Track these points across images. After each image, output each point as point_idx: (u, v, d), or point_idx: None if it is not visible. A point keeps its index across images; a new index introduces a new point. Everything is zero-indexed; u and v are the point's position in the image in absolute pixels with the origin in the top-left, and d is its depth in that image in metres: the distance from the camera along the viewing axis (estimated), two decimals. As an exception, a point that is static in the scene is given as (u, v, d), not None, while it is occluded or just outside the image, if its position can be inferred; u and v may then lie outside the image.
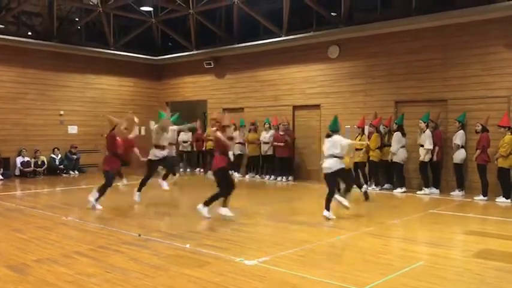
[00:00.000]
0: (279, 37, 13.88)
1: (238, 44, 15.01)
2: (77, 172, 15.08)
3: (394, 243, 6.34)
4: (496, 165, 9.76)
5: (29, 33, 15.82)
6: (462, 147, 10.46)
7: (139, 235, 6.52)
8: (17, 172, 14.16)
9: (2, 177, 13.50)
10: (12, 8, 14.86)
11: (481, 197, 9.94)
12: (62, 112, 15.41)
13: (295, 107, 14.06)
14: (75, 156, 15.24)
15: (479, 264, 5.25)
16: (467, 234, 6.76)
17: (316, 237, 6.48)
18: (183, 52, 16.69)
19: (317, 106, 13.49)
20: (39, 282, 4.59)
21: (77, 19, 16.75)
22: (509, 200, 9.55)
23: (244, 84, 15.39)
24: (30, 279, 4.67)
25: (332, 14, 13.31)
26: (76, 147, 15.25)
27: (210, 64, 15.96)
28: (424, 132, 10.74)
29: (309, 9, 13.54)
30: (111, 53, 16.30)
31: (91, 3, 15.04)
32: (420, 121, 10.87)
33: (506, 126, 9.66)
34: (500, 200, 9.64)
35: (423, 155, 10.74)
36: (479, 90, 10.70)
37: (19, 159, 14.19)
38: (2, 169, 13.71)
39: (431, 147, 10.62)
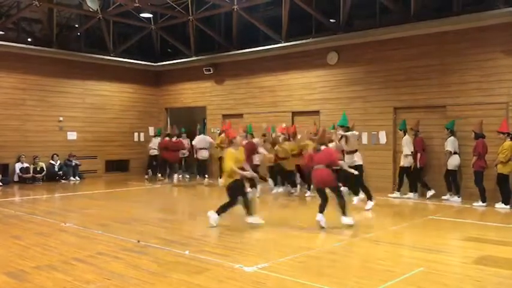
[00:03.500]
0: (278, 43, 13.93)
1: (237, 50, 15.05)
2: (77, 178, 15.07)
3: (394, 250, 6.32)
4: (495, 171, 9.76)
5: (29, 39, 15.84)
6: (455, 153, 10.60)
7: (139, 241, 6.50)
8: (16, 178, 14.14)
9: (1, 183, 13.46)
10: (12, 15, 14.90)
11: (480, 203, 9.92)
12: (61, 118, 15.41)
13: (294, 113, 14.07)
14: (75, 162, 15.22)
15: (479, 271, 5.24)
16: (467, 241, 6.75)
17: (316, 244, 6.47)
18: (182, 58, 16.73)
19: (316, 112, 13.50)
20: (37, 289, 4.58)
21: (76, 25, 16.79)
22: (508, 206, 9.55)
23: (243, 91, 15.41)
24: (28, 286, 4.65)
25: (331, 20, 13.36)
26: (74, 156, 15.24)
27: (209, 70, 15.99)
28: (402, 138, 11.13)
29: (308, 16, 13.60)
30: (111, 59, 16.33)
31: (91, 9, 15.08)
32: (398, 130, 11.37)
33: (505, 132, 9.68)
34: (500, 206, 9.63)
35: (403, 161, 11.04)
36: (477, 96, 10.73)
37: (18, 166, 14.18)
38: (1, 175, 13.69)
39: (409, 152, 10.89)
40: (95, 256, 5.77)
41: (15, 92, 14.46)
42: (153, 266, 5.32)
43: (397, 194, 11.16)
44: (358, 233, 7.22)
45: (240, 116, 15.16)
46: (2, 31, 14.89)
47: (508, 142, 9.56)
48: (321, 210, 7.44)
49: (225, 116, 15.88)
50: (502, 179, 9.66)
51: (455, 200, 10.54)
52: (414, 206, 10.25)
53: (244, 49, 14.84)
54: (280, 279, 4.88)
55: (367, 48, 12.48)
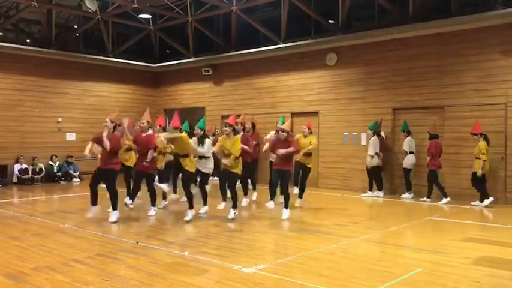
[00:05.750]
0: (277, 44, 13.94)
1: (236, 51, 15.06)
2: (78, 179, 15.04)
3: (392, 250, 6.33)
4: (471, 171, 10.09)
5: (28, 40, 15.85)
6: (411, 152, 11.11)
7: (137, 242, 6.50)
8: (15, 179, 14.13)
9: (0, 185, 13.47)
10: (10, 16, 14.90)
11: (425, 199, 10.61)
12: (59, 119, 15.41)
13: (293, 114, 14.08)
14: (72, 164, 15.21)
15: (477, 272, 5.25)
16: (465, 241, 6.76)
17: (314, 245, 6.48)
18: (181, 59, 16.74)
19: (315, 113, 13.52)
20: (36, 290, 4.58)
21: (75, 26, 16.80)
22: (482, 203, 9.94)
23: (242, 92, 15.42)
24: (27, 288, 4.65)
25: (330, 21, 13.38)
26: (72, 157, 15.22)
27: (208, 71, 16.00)
28: (370, 138, 11.55)
29: (307, 17, 13.63)
30: (110, 60, 16.34)
31: (89, 10, 15.09)
32: (368, 129, 11.69)
33: (478, 134, 9.95)
34: (475, 203, 10.04)
35: (368, 160, 11.49)
36: (476, 97, 10.76)
37: (17, 167, 14.17)
38: (-1, 176, 13.72)
39: (372, 153, 11.36)
40: (93, 257, 5.77)
41: (13, 93, 14.45)
42: (152, 267, 5.32)
43: (368, 194, 11.59)
44: (357, 234, 7.23)
45: (239, 117, 15.11)
46: (1, 32, 14.89)
47: (482, 142, 9.83)
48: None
49: (224, 117, 15.87)
50: (479, 179, 9.93)
51: (406, 196, 11.16)
52: (412, 207, 10.27)
53: (243, 50, 14.85)
54: (279, 280, 4.88)
55: (366, 49, 12.50)
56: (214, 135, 13.49)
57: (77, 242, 6.74)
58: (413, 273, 5.15)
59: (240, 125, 9.71)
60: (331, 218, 8.65)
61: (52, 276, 5.00)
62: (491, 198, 9.86)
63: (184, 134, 8.38)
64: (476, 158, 9.85)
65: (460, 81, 11.00)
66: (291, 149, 8.17)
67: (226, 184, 8.43)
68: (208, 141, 8.81)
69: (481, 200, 9.95)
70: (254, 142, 10.59)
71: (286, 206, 8.35)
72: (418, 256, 5.92)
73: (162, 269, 5.27)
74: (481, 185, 9.93)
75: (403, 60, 11.85)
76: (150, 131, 8.69)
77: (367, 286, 4.68)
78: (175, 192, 10.08)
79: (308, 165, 9.71)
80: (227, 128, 8.17)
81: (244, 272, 5.12)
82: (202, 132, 8.73)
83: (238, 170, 8.17)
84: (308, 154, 9.61)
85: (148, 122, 8.71)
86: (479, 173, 9.76)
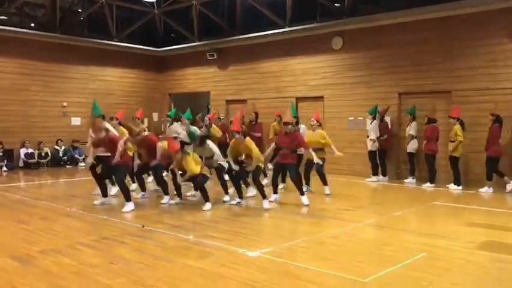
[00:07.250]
0: (282, 28, 13.81)
1: (241, 35, 14.94)
2: (84, 164, 15.09)
3: (397, 235, 6.34)
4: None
5: (32, 24, 15.77)
6: (415, 137, 11.15)
7: (143, 226, 6.55)
8: (21, 163, 14.22)
9: (6, 169, 13.57)
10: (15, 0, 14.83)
11: (428, 184, 10.53)
12: (64, 104, 15.43)
13: (298, 99, 14.01)
14: (77, 148, 15.26)
15: (482, 256, 5.25)
16: (470, 226, 6.76)
17: (319, 229, 6.50)
18: (185, 43, 16.65)
19: (320, 98, 13.44)
20: (43, 272, 4.63)
21: (79, 10, 16.70)
22: (460, 187, 10.12)
23: (247, 76, 15.34)
24: (34, 270, 4.70)
25: (336, 5, 13.22)
26: (78, 141, 15.25)
27: (212, 55, 15.91)
28: (371, 123, 11.52)
29: (313, 0, 13.46)
30: (114, 45, 16.26)
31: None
32: (367, 113, 11.69)
33: (455, 117, 10.13)
34: (452, 186, 10.20)
35: (370, 145, 11.51)
36: (483, 81, 10.64)
37: (23, 151, 14.25)
38: (6, 160, 13.79)
39: (374, 137, 11.39)
40: (99, 241, 5.82)
41: (18, 78, 14.45)
42: (157, 251, 5.37)
43: (373, 178, 11.58)
44: (361, 218, 7.24)
45: (244, 101, 15.11)
46: (5, 16, 14.82)
47: (458, 126, 10.02)
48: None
49: (228, 102, 15.85)
50: (453, 161, 10.13)
51: (410, 181, 11.18)
52: (416, 191, 10.25)
53: (248, 34, 14.73)
54: (283, 263, 4.91)
55: (372, 33, 12.35)
56: (219, 119, 13.44)
57: (83, 225, 6.80)
58: (418, 257, 5.16)
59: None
60: (336, 203, 8.66)
61: (58, 259, 5.05)
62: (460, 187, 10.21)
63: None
64: (451, 141, 10.08)
65: (466, 65, 10.88)
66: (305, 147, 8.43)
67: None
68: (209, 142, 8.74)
69: (457, 184, 10.18)
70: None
71: (301, 193, 8.31)
72: (422, 240, 5.93)
73: (167, 252, 5.31)
74: (456, 168, 10.18)
75: (409, 44, 11.71)
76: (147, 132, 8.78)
77: (371, 270, 4.69)
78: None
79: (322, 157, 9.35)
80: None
81: (249, 256, 5.15)
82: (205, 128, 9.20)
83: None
84: (320, 149, 9.27)
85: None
86: (450, 153, 10.05)
